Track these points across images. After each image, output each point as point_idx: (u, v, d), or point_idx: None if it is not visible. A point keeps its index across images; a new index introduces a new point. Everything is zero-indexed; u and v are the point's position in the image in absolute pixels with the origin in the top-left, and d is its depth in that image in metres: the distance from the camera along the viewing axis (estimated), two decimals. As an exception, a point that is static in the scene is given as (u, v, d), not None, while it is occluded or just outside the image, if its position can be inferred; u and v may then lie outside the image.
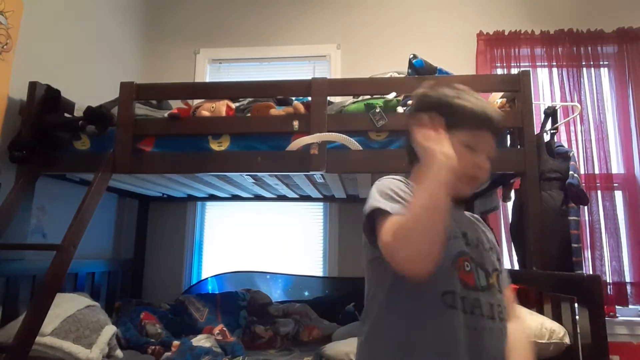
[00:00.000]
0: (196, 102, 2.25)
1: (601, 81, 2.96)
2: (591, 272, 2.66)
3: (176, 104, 2.33)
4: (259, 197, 3.01)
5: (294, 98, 2.29)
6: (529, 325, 1.67)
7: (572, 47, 2.98)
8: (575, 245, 2.04)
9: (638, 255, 2.73)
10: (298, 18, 3.32)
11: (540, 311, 1.85)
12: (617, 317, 2.74)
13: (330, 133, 1.94)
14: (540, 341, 1.63)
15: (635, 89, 2.88)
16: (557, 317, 1.74)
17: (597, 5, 3.08)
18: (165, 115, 2.11)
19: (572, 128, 2.86)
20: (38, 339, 1.65)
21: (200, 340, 2.09)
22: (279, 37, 3.29)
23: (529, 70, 2.01)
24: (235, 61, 3.37)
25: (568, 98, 2.91)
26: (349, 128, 1.97)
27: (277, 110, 2.11)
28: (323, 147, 1.95)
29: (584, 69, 2.96)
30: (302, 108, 2.03)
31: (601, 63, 3.00)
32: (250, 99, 2.29)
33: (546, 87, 2.97)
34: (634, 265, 2.73)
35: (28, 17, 2.18)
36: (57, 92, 2.16)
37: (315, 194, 2.80)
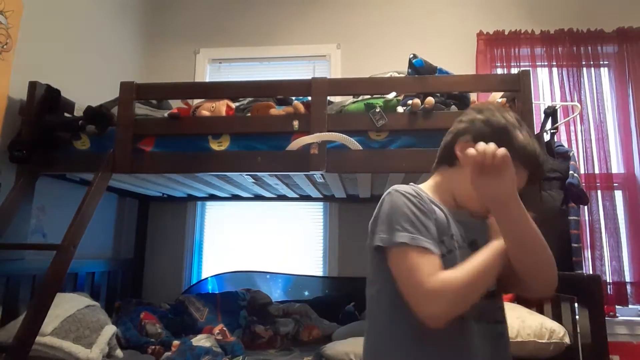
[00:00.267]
0: (196, 102, 2.25)
1: (601, 81, 2.96)
2: (591, 272, 2.66)
3: (176, 104, 2.33)
4: (259, 197, 3.01)
5: (294, 98, 2.29)
6: (529, 324, 1.67)
7: (572, 47, 2.97)
8: (575, 245, 2.04)
9: (638, 255, 2.73)
10: (298, 18, 3.32)
11: (540, 311, 1.85)
12: (617, 317, 2.74)
13: (330, 133, 1.93)
14: (540, 341, 1.63)
15: (635, 89, 2.88)
16: (557, 317, 1.74)
17: (597, 5, 3.08)
18: (165, 115, 2.11)
19: (572, 128, 2.86)
20: (38, 339, 1.65)
21: (200, 340, 2.09)
22: (279, 37, 3.29)
23: (529, 70, 2.00)
24: (235, 61, 3.37)
25: (568, 98, 2.90)
26: (349, 128, 1.97)
27: (277, 110, 2.11)
28: (323, 146, 1.95)
29: (584, 69, 2.96)
30: (302, 108, 2.03)
31: (601, 63, 3.00)
32: (250, 99, 2.29)
33: (546, 86, 2.97)
34: (634, 265, 2.73)
35: (28, 17, 2.18)
36: (57, 92, 2.16)
37: (315, 193, 2.80)
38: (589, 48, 2.97)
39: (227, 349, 2.08)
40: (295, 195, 2.91)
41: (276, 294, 2.93)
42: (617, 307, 2.74)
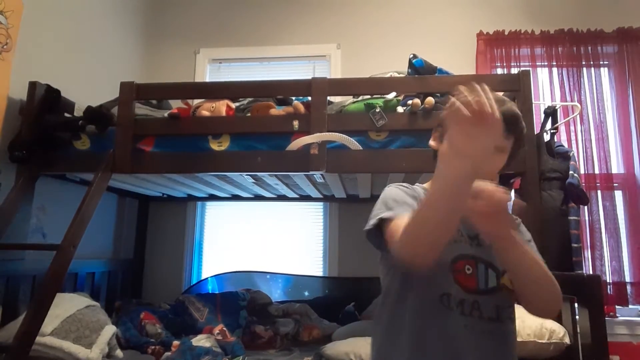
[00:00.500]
0: (196, 102, 2.25)
1: (601, 81, 2.96)
2: (591, 272, 2.66)
3: (176, 104, 2.33)
4: (259, 197, 3.01)
5: (294, 98, 2.29)
6: (529, 324, 1.67)
7: (572, 47, 2.97)
8: (575, 245, 2.04)
9: (638, 255, 2.73)
10: (298, 18, 3.32)
11: (540, 311, 1.85)
12: (617, 317, 2.74)
13: (330, 133, 1.93)
14: (540, 341, 1.63)
15: (635, 89, 2.88)
16: (557, 317, 1.74)
17: (597, 5, 3.08)
18: (165, 115, 2.11)
19: (572, 128, 2.86)
20: (38, 339, 1.65)
21: (200, 340, 2.09)
22: (279, 37, 3.29)
23: (529, 70, 2.01)
24: (235, 61, 3.37)
25: (568, 98, 2.90)
26: (349, 128, 1.97)
27: (277, 110, 2.11)
28: (323, 147, 1.95)
29: (584, 69, 2.96)
30: (302, 108, 2.03)
31: (601, 63, 3.00)
32: (250, 99, 2.29)
33: (546, 87, 2.97)
34: (634, 265, 2.73)
35: (28, 17, 2.18)
36: (57, 92, 2.16)
37: (315, 193, 2.80)
38: (589, 48, 2.97)
39: (227, 349, 2.08)
40: (295, 195, 2.91)
41: (276, 294, 2.93)
42: (617, 307, 2.74)
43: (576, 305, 1.64)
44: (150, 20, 3.36)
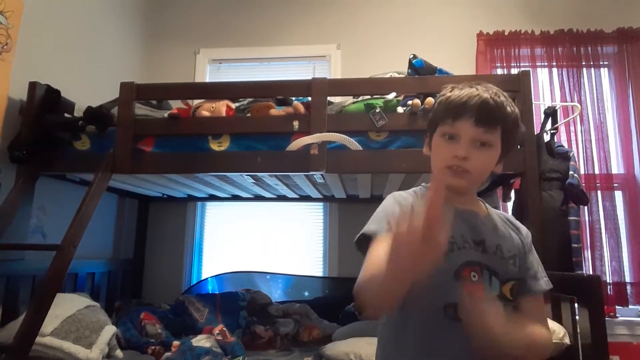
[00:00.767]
0: (196, 102, 2.25)
1: (601, 81, 2.96)
2: (591, 272, 2.66)
3: (176, 104, 2.33)
4: (259, 197, 3.01)
5: (294, 98, 2.29)
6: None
7: (572, 47, 2.98)
8: (575, 245, 2.04)
9: (638, 255, 2.73)
10: (298, 18, 3.32)
11: (540, 311, 1.85)
12: (617, 317, 2.74)
13: (330, 133, 1.93)
14: (540, 341, 1.63)
15: (635, 89, 2.88)
16: (557, 317, 1.74)
17: (597, 5, 3.08)
18: (165, 115, 2.11)
19: (572, 128, 2.86)
20: (38, 339, 1.65)
21: (200, 341, 2.09)
22: (279, 37, 3.29)
23: (529, 71, 2.01)
24: (235, 61, 3.37)
25: (568, 98, 2.90)
26: (349, 128, 1.97)
27: (277, 110, 2.11)
28: (323, 147, 1.95)
29: (584, 69, 2.96)
30: (302, 108, 2.03)
31: (601, 63, 3.00)
32: (250, 99, 2.29)
33: (546, 87, 2.97)
34: (634, 265, 2.73)
35: (28, 17, 2.18)
36: (57, 92, 2.16)
37: (315, 194, 2.80)
38: (589, 48, 2.97)
39: (227, 350, 2.08)
40: (295, 196, 2.91)
41: (276, 294, 2.93)
42: (617, 307, 2.74)
43: (576, 305, 1.64)
44: (150, 20, 3.36)
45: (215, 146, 2.04)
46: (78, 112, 2.19)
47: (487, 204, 1.08)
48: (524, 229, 1.09)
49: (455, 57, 3.01)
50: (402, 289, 0.77)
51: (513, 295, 0.98)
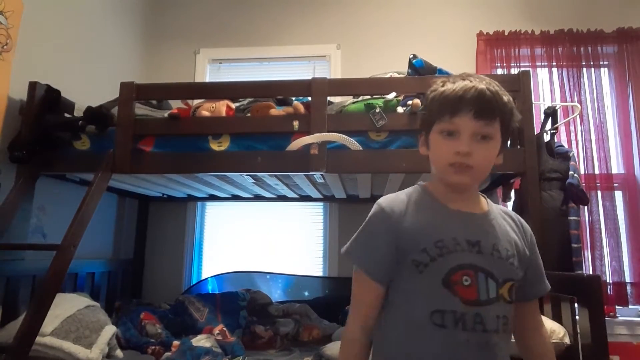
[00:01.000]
0: (196, 102, 2.25)
1: (601, 81, 2.96)
2: (591, 272, 2.66)
3: (176, 104, 2.33)
4: (259, 197, 3.01)
5: (294, 98, 2.29)
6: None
7: (572, 47, 2.98)
8: (575, 245, 2.04)
9: (638, 255, 2.73)
10: (298, 18, 3.32)
11: (541, 311, 1.85)
12: (617, 317, 2.74)
13: (330, 133, 1.93)
14: (540, 341, 1.63)
15: (635, 89, 2.88)
16: (557, 317, 1.74)
17: (597, 5, 3.08)
18: (165, 115, 2.11)
19: (572, 128, 2.86)
20: (38, 339, 1.65)
21: (200, 340, 2.09)
22: (279, 37, 3.29)
23: (529, 70, 2.01)
24: (235, 61, 3.37)
25: (568, 98, 2.90)
26: (349, 128, 1.97)
27: (277, 110, 2.11)
28: (323, 147, 1.95)
29: (584, 69, 2.96)
30: (302, 108, 2.03)
31: (601, 63, 3.00)
32: (250, 99, 2.29)
33: (546, 87, 2.97)
34: (634, 265, 2.73)
35: (28, 17, 2.18)
36: (57, 92, 2.16)
37: (315, 194, 2.80)
38: (589, 48, 2.97)
39: (227, 349, 2.08)
40: (295, 196, 2.91)
41: (276, 294, 2.93)
42: (617, 307, 2.74)
43: (576, 305, 1.64)
44: (150, 21, 3.36)
45: (215, 146, 2.04)
46: (78, 112, 2.19)
47: (489, 200, 1.05)
48: (528, 227, 1.07)
49: (455, 57, 3.01)
50: None
51: (512, 296, 0.96)
